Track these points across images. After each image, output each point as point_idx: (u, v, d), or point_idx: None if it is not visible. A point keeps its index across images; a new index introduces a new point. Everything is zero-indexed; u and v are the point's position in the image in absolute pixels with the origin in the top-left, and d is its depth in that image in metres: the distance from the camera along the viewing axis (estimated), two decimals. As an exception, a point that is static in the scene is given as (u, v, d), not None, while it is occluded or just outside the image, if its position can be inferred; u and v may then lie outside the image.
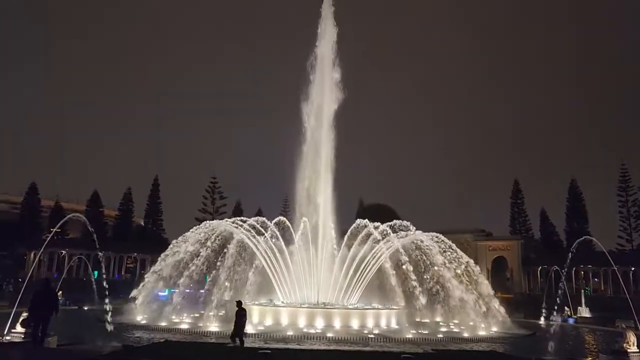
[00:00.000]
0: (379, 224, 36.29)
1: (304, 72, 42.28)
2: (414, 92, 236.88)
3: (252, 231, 35.15)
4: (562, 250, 79.07)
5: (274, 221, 36.10)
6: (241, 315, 20.88)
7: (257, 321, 29.41)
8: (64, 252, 76.62)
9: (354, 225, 37.03)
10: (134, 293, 34.41)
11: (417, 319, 33.18)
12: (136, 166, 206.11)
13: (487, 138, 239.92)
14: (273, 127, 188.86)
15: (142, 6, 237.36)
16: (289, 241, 35.72)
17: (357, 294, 34.78)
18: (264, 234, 35.11)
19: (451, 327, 33.68)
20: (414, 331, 28.80)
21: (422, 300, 31.82)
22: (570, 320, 43.36)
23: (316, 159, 39.67)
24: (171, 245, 36.80)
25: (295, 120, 41.43)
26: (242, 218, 38.17)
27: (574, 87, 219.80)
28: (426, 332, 28.92)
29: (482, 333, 30.11)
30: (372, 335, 26.40)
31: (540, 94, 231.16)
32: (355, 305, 33.34)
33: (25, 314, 18.13)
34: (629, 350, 18.56)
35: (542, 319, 42.04)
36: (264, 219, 37.71)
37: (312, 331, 26.92)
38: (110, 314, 23.56)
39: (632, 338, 18.91)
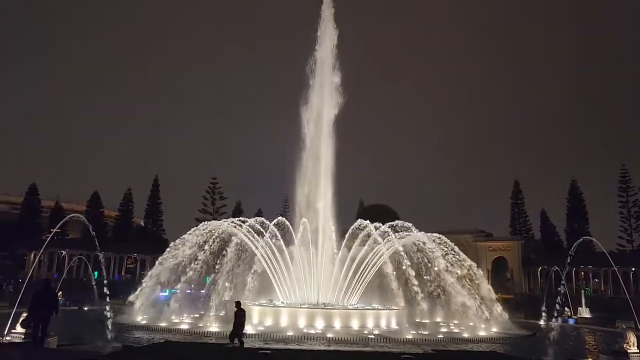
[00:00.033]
0: (379, 224, 36.26)
1: (304, 72, 41.99)
2: (414, 92, 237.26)
3: (252, 232, 35.06)
4: (562, 251, 79.02)
5: (274, 222, 36.00)
6: (240, 316, 20.90)
7: (258, 322, 29.41)
8: (64, 252, 76.65)
9: (354, 225, 37.01)
10: (131, 298, 34.03)
11: (418, 320, 33.15)
12: (136, 166, 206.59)
13: (487, 138, 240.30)
14: (273, 127, 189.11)
15: (142, 6, 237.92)
16: (289, 242, 35.68)
17: (358, 294, 34.76)
18: (264, 235, 35.00)
19: (451, 327, 33.67)
20: (414, 332, 28.80)
21: (424, 305, 31.74)
22: (571, 321, 43.34)
23: (316, 165, 39.27)
24: (169, 249, 36.24)
25: (295, 120, 41.21)
26: (242, 219, 38.00)
27: (574, 87, 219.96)
28: (426, 332, 28.91)
29: (482, 334, 30.10)
30: (372, 336, 26.40)
31: (540, 94, 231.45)
32: (356, 306, 33.33)
33: (25, 315, 18.13)
34: (629, 351, 18.53)
35: (543, 319, 42.06)
36: (263, 219, 37.60)
37: (313, 332, 26.91)
38: (110, 314, 23.56)
39: (632, 339, 18.89)
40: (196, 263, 32.98)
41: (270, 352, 16.87)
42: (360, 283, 34.39)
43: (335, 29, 42.79)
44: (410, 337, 26.91)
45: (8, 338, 18.02)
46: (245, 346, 20.52)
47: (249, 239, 34.34)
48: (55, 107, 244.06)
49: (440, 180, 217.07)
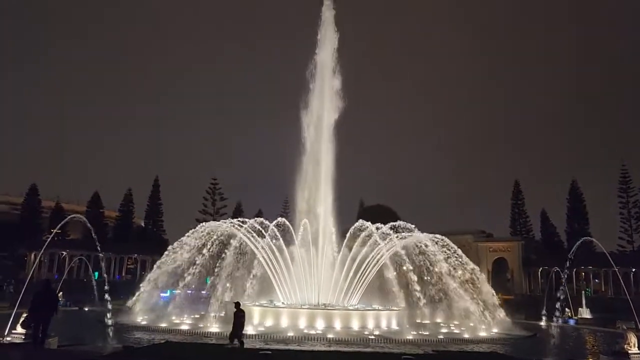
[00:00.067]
0: (380, 225, 36.18)
1: (304, 73, 41.64)
2: (414, 92, 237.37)
3: (251, 232, 34.93)
4: (562, 251, 78.95)
5: (274, 222, 35.85)
6: (239, 316, 20.88)
7: (258, 322, 29.39)
8: (64, 253, 76.65)
9: (355, 226, 36.96)
10: (129, 303, 33.77)
11: (418, 320, 33.14)
12: (136, 166, 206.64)
13: (487, 138, 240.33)
14: (273, 127, 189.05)
15: (142, 6, 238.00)
16: (289, 242, 35.63)
17: (358, 295, 34.75)
18: (264, 235, 34.90)
19: (452, 328, 33.65)
20: (415, 332, 28.80)
21: (426, 311, 31.64)
22: (571, 322, 43.34)
23: (316, 169, 38.95)
24: (167, 252, 35.67)
25: (296, 121, 40.96)
26: (241, 219, 37.77)
27: (574, 87, 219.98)
28: (427, 333, 28.92)
29: (482, 334, 30.08)
30: (372, 336, 26.40)
31: (540, 94, 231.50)
32: (356, 306, 33.32)
33: (25, 315, 18.13)
34: (629, 352, 18.52)
35: (543, 320, 42.06)
36: (262, 219, 37.43)
37: (313, 332, 26.90)
38: (110, 315, 23.61)
39: (632, 339, 18.88)
40: (194, 267, 32.53)
41: (270, 352, 16.87)
42: (360, 283, 34.37)
43: (335, 32, 42.32)
44: (410, 337, 26.90)
45: (8, 338, 18.02)
46: (245, 346, 20.52)
47: (249, 239, 34.23)
48: (55, 107, 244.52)
49: (440, 180, 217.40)
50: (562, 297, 29.65)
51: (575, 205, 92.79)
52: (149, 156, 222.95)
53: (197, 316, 33.58)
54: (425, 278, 36.00)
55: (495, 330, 31.79)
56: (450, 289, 33.87)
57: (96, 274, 54.64)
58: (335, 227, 37.83)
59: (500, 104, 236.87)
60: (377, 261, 34.18)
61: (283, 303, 33.21)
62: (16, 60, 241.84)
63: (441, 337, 28.18)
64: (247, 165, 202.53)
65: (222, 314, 30.50)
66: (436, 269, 35.18)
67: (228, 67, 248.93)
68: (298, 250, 34.70)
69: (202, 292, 37.92)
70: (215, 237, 34.37)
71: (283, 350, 20.31)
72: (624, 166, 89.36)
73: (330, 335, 25.69)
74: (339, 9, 43.88)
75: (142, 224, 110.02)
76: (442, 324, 35.24)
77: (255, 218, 37.51)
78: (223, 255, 32.83)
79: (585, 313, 47.49)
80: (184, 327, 28.26)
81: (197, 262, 32.75)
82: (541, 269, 78.31)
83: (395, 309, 32.45)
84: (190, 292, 35.86)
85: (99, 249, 28.91)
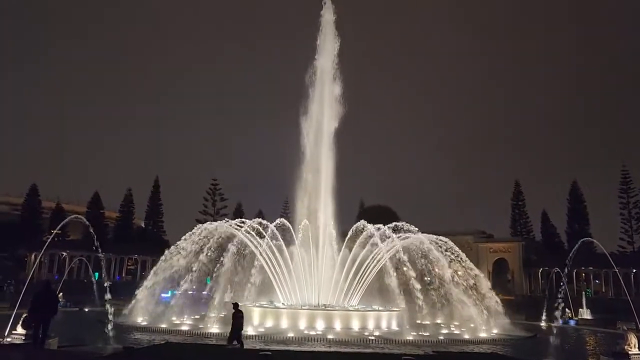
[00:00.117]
0: (381, 225, 36.08)
1: (304, 73, 41.10)
2: (414, 92, 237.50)
3: (251, 233, 34.75)
4: (563, 252, 78.90)
5: (274, 223, 35.63)
6: (238, 317, 20.85)
7: (258, 323, 29.41)
8: (64, 253, 76.63)
9: (355, 226, 36.88)
10: (126, 311, 33.01)
11: (418, 321, 33.12)
12: (136, 167, 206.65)
13: (487, 138, 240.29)
14: (273, 127, 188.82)
15: (142, 6, 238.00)
16: (289, 243, 35.55)
17: (358, 295, 34.72)
18: (263, 236, 34.75)
19: (452, 329, 33.63)
20: (415, 333, 28.78)
21: (426, 311, 31.48)
22: (572, 322, 43.34)
23: (316, 177, 38.35)
24: (163, 257, 34.79)
25: (295, 121, 40.46)
26: (241, 219, 37.49)
27: (574, 87, 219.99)
28: (427, 333, 28.89)
29: (483, 335, 30.05)
30: (372, 337, 26.43)
31: (540, 94, 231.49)
32: (356, 307, 33.32)
33: (25, 316, 18.13)
34: (630, 352, 18.48)
35: (543, 320, 42.03)
36: (260, 219, 37.11)
37: (313, 333, 26.90)
38: (110, 315, 23.58)
39: (633, 340, 18.84)
40: (190, 274, 31.86)
41: (270, 353, 16.84)
42: (360, 284, 34.34)
43: (336, 37, 41.38)
44: (410, 338, 26.89)
45: (8, 339, 18.01)
46: (245, 347, 20.52)
47: (249, 240, 34.12)
48: (55, 107, 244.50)
49: (440, 180, 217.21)
50: (562, 298, 29.56)
51: (575, 206, 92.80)
52: (149, 156, 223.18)
53: (197, 317, 33.55)
54: (426, 278, 35.89)
55: (495, 331, 31.76)
56: (454, 297, 33.49)
57: (96, 274, 54.64)
58: (336, 228, 37.71)
59: (500, 104, 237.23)
60: (377, 262, 34.14)
61: (283, 304, 33.19)
62: (16, 60, 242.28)
63: (441, 337, 28.17)
64: (247, 165, 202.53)
65: (223, 315, 30.49)
66: (436, 270, 35.08)
67: (228, 67, 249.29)
68: (298, 251, 34.65)
69: (203, 292, 37.81)
70: (212, 240, 33.39)
71: (283, 351, 20.28)
72: (624, 167, 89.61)
73: (330, 336, 25.71)
74: (339, 9, 43.13)
75: (143, 225, 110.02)
76: (442, 325, 35.21)
77: (254, 219, 36.99)
78: (222, 258, 32.06)
79: (585, 314, 47.49)
80: (184, 328, 28.26)
81: (194, 268, 31.87)
82: (541, 269, 78.29)
83: (396, 309, 32.43)
84: (191, 292, 35.72)
85: (99, 249, 28.83)
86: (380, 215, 67.24)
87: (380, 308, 33.44)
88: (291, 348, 21.87)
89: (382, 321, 30.67)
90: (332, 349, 22.48)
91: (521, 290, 78.47)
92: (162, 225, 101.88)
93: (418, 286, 31.20)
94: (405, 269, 33.03)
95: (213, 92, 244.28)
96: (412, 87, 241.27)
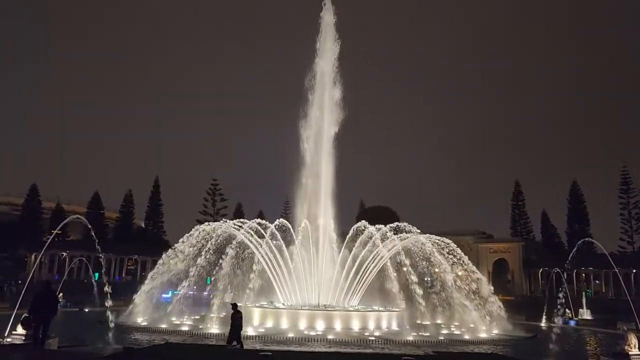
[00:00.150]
0: (382, 226, 36.00)
1: (304, 73, 40.61)
2: (414, 92, 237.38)
3: (251, 234, 34.65)
4: (563, 252, 78.99)
5: (274, 223, 35.53)
6: (236, 318, 20.84)
7: (258, 323, 29.39)
8: (64, 253, 76.66)
9: (355, 227, 36.83)
10: (125, 315, 32.63)
11: (418, 321, 33.12)
12: (136, 167, 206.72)
13: (487, 138, 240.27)
14: (273, 127, 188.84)
15: (142, 6, 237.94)
16: (289, 243, 35.51)
17: (358, 296, 34.71)
18: (264, 237, 34.67)
19: (452, 329, 33.61)
20: (415, 333, 28.76)
21: (428, 319, 31.32)
22: (572, 323, 43.31)
23: (316, 182, 37.90)
24: (161, 260, 34.37)
25: (295, 121, 40.15)
26: (241, 220, 37.34)
27: (574, 87, 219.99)
28: (427, 334, 28.87)
29: (483, 335, 30.05)
30: (372, 338, 26.41)
31: (540, 94, 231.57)
32: (356, 308, 33.30)
33: (25, 316, 18.13)
34: (630, 353, 18.47)
35: (544, 321, 42.02)
36: (259, 220, 36.96)
37: (313, 333, 26.88)
38: (111, 316, 23.57)
39: (633, 340, 18.83)
40: (188, 280, 31.65)
41: (270, 353, 16.84)
42: (360, 284, 34.33)
43: (336, 40, 40.58)
44: (410, 338, 26.89)
45: (9, 339, 18.00)
46: (245, 347, 20.52)
47: (249, 240, 34.07)
48: (55, 107, 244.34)
49: (440, 180, 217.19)
50: (562, 298, 29.55)
51: (575, 206, 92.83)
52: (149, 156, 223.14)
53: (197, 317, 33.54)
54: (427, 279, 35.80)
55: (495, 331, 31.75)
56: (455, 301, 33.33)
57: (96, 274, 54.66)
58: (336, 230, 37.59)
59: (500, 104, 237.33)
60: (378, 262, 34.13)
61: (283, 304, 33.18)
62: (16, 60, 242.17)
63: (442, 338, 28.14)
64: (247, 165, 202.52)
65: (223, 315, 30.47)
66: (436, 269, 35.00)
67: (228, 67, 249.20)
68: (298, 251, 34.62)
69: (204, 292, 37.71)
70: (210, 243, 32.76)
71: (283, 351, 20.28)
72: (624, 167, 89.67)
73: (330, 337, 25.70)
74: (339, 10, 42.35)
75: (143, 225, 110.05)
76: (442, 325, 35.18)
77: (254, 220, 36.86)
78: (220, 261, 31.55)
79: (585, 314, 47.46)
80: (184, 328, 28.24)
81: (192, 273, 31.54)
82: (542, 270, 78.29)
83: (396, 310, 32.43)
84: (192, 292, 35.63)
85: (99, 249, 28.83)
86: (380, 215, 67.33)
87: (381, 308, 33.43)
88: (291, 348, 21.86)
89: (383, 321, 30.64)
90: (332, 349, 22.47)
91: (521, 291, 78.48)
92: (162, 226, 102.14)
93: (420, 292, 31.09)
94: (405, 269, 33.00)
95: (213, 92, 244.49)
96: (412, 87, 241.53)
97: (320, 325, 28.45)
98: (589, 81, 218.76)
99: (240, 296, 31.96)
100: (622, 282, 49.75)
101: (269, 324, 29.37)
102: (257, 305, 31.92)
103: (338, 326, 28.65)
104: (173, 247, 34.46)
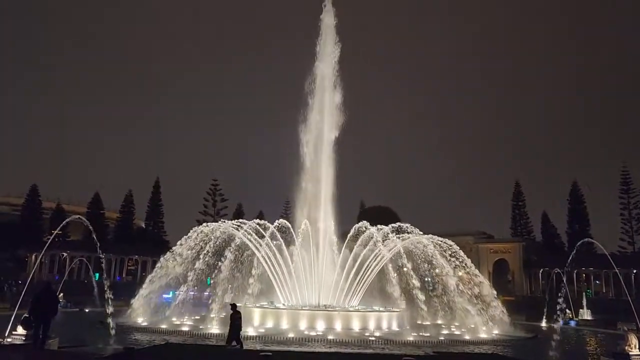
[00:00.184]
0: (383, 227, 35.91)
1: (304, 73, 40.27)
2: (415, 92, 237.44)
3: (251, 234, 34.59)
4: (563, 253, 79.00)
5: (274, 224, 35.39)
6: (236, 318, 20.83)
7: (258, 323, 29.37)
8: (65, 254, 76.69)
9: (356, 227, 36.77)
10: (122, 319, 33.06)
11: (419, 322, 33.11)
12: (137, 167, 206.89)
13: (487, 138, 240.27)
14: (273, 127, 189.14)
15: (142, 6, 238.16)
16: (289, 243, 35.47)
17: (358, 296, 34.69)
18: (264, 236, 34.61)
19: (452, 329, 33.59)
20: (415, 333, 28.76)
21: (429, 319, 31.18)
22: (572, 323, 43.30)
23: (316, 187, 37.58)
24: (159, 264, 34.16)
25: (295, 122, 40.00)
26: (241, 220, 37.19)
27: (574, 87, 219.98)
28: (427, 334, 28.87)
29: (483, 335, 30.04)
30: (373, 338, 26.40)
31: (540, 94, 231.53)
32: (357, 308, 33.29)
33: (26, 316, 18.14)
34: (630, 353, 18.46)
35: (544, 321, 42.00)
36: (258, 220, 36.80)
37: (313, 333, 26.87)
38: (111, 316, 23.57)
39: (634, 341, 18.82)
40: (187, 285, 31.46)
41: (270, 353, 16.81)
42: (361, 285, 34.31)
43: (336, 43, 40.04)
44: (411, 338, 26.89)
45: (9, 339, 18.01)
46: (245, 348, 20.51)
47: (249, 240, 34.03)
48: (55, 107, 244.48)
49: (440, 180, 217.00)
50: (562, 299, 29.53)
51: (576, 207, 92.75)
52: (149, 156, 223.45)
53: (197, 317, 33.54)
54: (427, 279, 35.72)
55: (496, 331, 31.73)
56: (458, 306, 33.20)
57: (97, 275, 54.65)
58: (336, 231, 37.49)
59: (501, 104, 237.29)
60: (378, 262, 34.11)
61: (283, 304, 33.17)
62: (16, 60, 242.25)
63: (442, 338, 28.14)
64: (247, 165, 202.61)
65: (223, 315, 30.46)
66: (437, 270, 34.93)
67: (228, 67, 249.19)
68: (299, 251, 34.60)
69: (205, 293, 37.68)
70: (209, 246, 32.35)
71: (283, 351, 20.27)
72: (624, 168, 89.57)
73: (330, 337, 25.70)
74: (339, 11, 41.79)
75: (143, 225, 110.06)
76: (442, 326, 35.17)
77: (253, 220, 36.68)
78: (219, 264, 31.30)
79: (586, 314, 47.46)
80: (185, 329, 28.24)
81: (190, 278, 31.28)
82: (542, 270, 78.27)
83: (396, 310, 32.42)
84: (192, 293, 35.53)
85: (99, 250, 28.81)
86: (380, 215, 67.26)
87: (381, 309, 33.40)
88: (292, 349, 21.86)
89: (383, 322, 30.62)
90: (332, 350, 22.47)
91: (521, 291, 78.48)
92: (163, 226, 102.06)
93: (422, 297, 30.95)
94: (405, 269, 32.97)
95: (213, 92, 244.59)
96: (412, 87, 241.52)
97: (320, 326, 28.43)
98: (589, 81, 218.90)
99: (241, 297, 31.94)
100: (622, 283, 49.64)
101: (269, 324, 29.36)
102: (257, 305, 31.91)
103: (338, 326, 28.63)
104: (171, 250, 34.13)
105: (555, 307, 30.63)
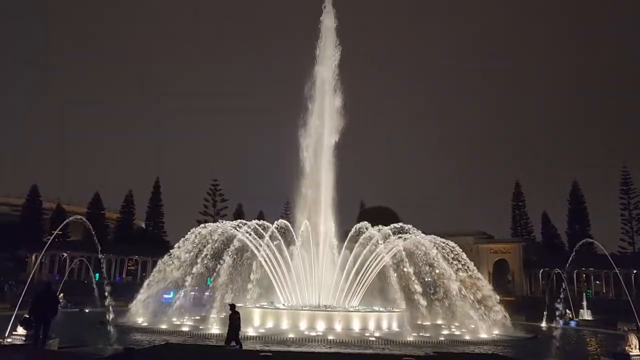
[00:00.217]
0: (384, 227, 35.87)
1: (304, 73, 39.97)
2: (415, 91, 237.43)
3: (252, 235, 34.53)
4: (563, 253, 78.93)
5: (274, 224, 35.29)
6: (234, 319, 20.83)
7: (258, 324, 29.38)
8: (65, 254, 76.73)
9: (357, 227, 36.74)
10: (122, 319, 32.92)
11: (419, 322, 33.11)
12: (137, 167, 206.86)
13: (487, 138, 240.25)
14: (273, 127, 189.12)
15: (142, 6, 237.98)
16: (290, 244, 35.45)
17: (359, 296, 34.69)
18: (264, 237, 34.55)
19: (453, 329, 33.60)
20: (416, 334, 28.77)
21: (429, 319, 31.08)
22: (572, 323, 43.30)
23: (316, 192, 37.35)
24: (157, 268, 33.91)
25: (295, 123, 39.77)
26: (241, 221, 37.04)
27: (574, 87, 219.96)
28: (428, 334, 28.89)
29: (483, 336, 30.04)
30: (373, 338, 26.40)
31: (540, 94, 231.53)
32: (357, 308, 33.29)
33: (26, 316, 18.15)
34: (631, 353, 18.47)
35: (544, 321, 41.99)
36: (256, 220, 36.77)
37: (313, 334, 26.88)
38: (111, 316, 23.54)
39: (634, 341, 18.82)
40: (184, 289, 31.34)
41: (270, 354, 16.81)
42: (361, 285, 34.31)
43: (337, 46, 39.60)
44: (411, 339, 26.89)
45: (9, 340, 18.01)
46: (245, 348, 20.51)
47: (249, 240, 34.00)
48: (55, 107, 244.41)
49: (440, 180, 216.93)
50: (563, 299, 29.54)
51: (576, 207, 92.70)
52: (149, 156, 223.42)
53: (197, 318, 33.53)
54: (427, 279, 35.68)
55: (496, 332, 31.74)
56: (459, 310, 33.11)
57: (97, 275, 54.64)
58: (336, 232, 37.42)
59: (501, 104, 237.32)
60: (378, 263, 34.10)
61: (283, 304, 33.16)
62: (16, 60, 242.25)
63: (442, 338, 28.16)
64: (247, 165, 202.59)
65: (223, 315, 30.44)
66: (437, 271, 34.90)
67: (228, 67, 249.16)
68: (299, 252, 34.59)
69: (206, 293, 37.66)
70: (207, 249, 32.00)
71: (283, 351, 20.27)
72: (624, 168, 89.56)
73: (330, 337, 25.70)
74: (339, 11, 41.37)
75: (143, 225, 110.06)
76: (443, 326, 35.18)
77: (254, 221, 36.43)
78: (218, 266, 31.04)
79: (586, 315, 47.47)
80: (185, 329, 28.26)
81: (188, 283, 31.10)
82: (542, 270, 78.24)
83: (397, 310, 32.41)
84: (194, 293, 35.49)
85: (99, 250, 28.78)
86: (380, 216, 67.19)
87: (381, 309, 33.41)
88: (292, 349, 21.88)
89: (383, 322, 30.63)
90: (332, 350, 22.47)
91: (521, 291, 78.44)
92: (163, 226, 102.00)
93: (424, 302, 30.79)
94: (405, 270, 32.93)
95: (213, 92, 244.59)
96: (412, 87, 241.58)
97: (320, 326, 28.44)
98: (589, 81, 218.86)
99: (241, 297, 31.93)
100: (622, 283, 49.66)
101: (270, 324, 29.36)
102: (257, 305, 31.92)
103: (338, 327, 28.63)
104: (169, 253, 33.84)
105: (556, 308, 30.68)
